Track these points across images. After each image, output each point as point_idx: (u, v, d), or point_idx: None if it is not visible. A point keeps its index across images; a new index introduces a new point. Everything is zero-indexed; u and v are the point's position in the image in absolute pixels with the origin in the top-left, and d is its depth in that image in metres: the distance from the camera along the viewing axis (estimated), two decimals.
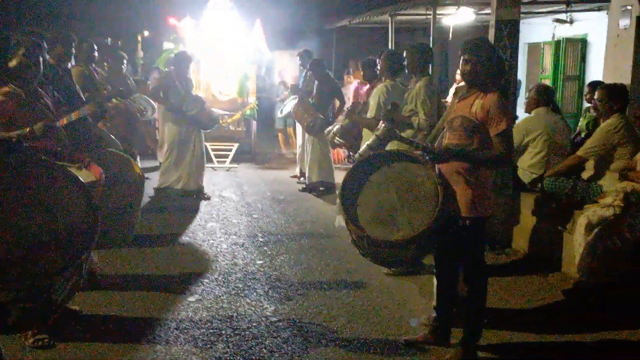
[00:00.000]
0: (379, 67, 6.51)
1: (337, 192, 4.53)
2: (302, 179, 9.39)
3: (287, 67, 12.93)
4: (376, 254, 3.98)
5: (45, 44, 4.84)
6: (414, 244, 3.72)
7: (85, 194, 3.05)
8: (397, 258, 4.10)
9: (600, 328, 4.35)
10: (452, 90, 6.86)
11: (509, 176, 5.78)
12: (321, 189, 8.64)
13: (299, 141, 9.82)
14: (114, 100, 7.43)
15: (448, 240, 3.86)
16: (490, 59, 3.79)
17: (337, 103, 9.16)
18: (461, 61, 3.82)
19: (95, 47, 7.46)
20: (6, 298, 2.69)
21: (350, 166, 4.33)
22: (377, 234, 3.76)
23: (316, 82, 8.88)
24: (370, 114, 6.05)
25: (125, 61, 9.74)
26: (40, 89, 4.14)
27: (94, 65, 7.37)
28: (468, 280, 3.93)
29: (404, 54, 5.77)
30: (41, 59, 4.06)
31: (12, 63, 3.93)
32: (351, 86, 11.62)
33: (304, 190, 8.95)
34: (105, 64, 9.81)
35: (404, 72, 6.01)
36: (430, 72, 6.00)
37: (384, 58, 6.29)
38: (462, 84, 4.02)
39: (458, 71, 4.16)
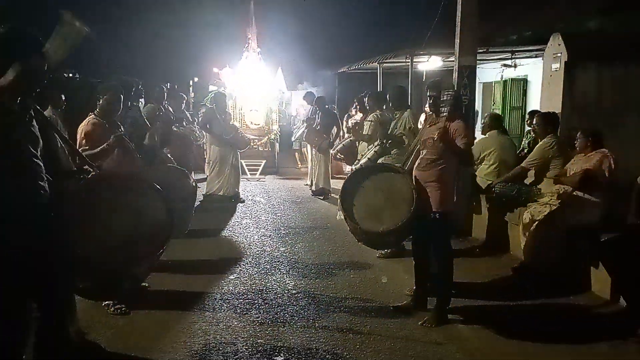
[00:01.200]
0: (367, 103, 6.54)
1: (337, 195, 4.51)
2: (312, 186, 9.36)
3: (302, 103, 12.91)
4: (368, 240, 4.00)
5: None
6: (395, 234, 3.72)
7: (164, 200, 3.03)
8: (384, 243, 4.11)
9: (537, 296, 4.31)
10: (422, 118, 6.85)
11: (467, 182, 5.75)
12: (323, 194, 8.61)
13: (309, 157, 9.78)
14: (175, 129, 7.40)
15: (422, 230, 3.84)
16: (450, 95, 3.79)
17: (335, 130, 9.13)
18: (428, 97, 3.85)
19: (165, 90, 7.45)
20: (109, 274, 2.70)
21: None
22: (368, 226, 3.78)
23: (319, 114, 8.88)
24: (365, 132, 6.06)
25: (184, 101, 9.74)
26: (117, 122, 4.15)
27: (164, 103, 7.30)
28: (438, 260, 3.89)
29: (386, 93, 5.82)
30: (121, 100, 4.06)
31: (100, 103, 3.94)
32: (357, 117, 11.57)
33: (313, 194, 8.89)
34: (165, 102, 9.81)
35: (386, 104, 6.02)
36: (409, 105, 6.00)
37: (370, 97, 6.33)
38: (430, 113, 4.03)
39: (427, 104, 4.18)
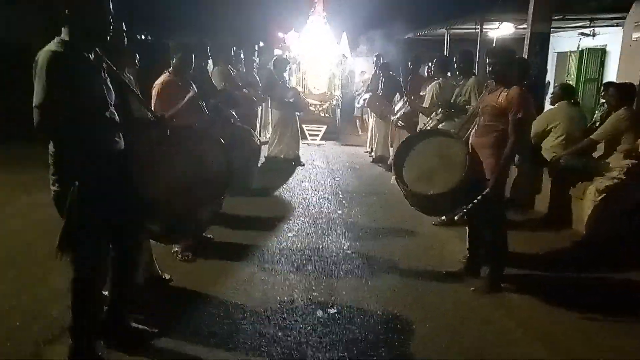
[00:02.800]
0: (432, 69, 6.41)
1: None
2: (372, 153, 9.40)
3: (365, 70, 12.83)
4: (420, 204, 3.99)
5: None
6: (447, 198, 3.70)
7: (224, 152, 3.22)
8: (436, 208, 4.11)
9: (595, 270, 4.23)
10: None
11: (526, 157, 5.60)
12: (382, 161, 8.59)
13: (370, 125, 9.79)
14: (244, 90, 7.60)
15: (476, 198, 3.83)
16: (508, 62, 3.71)
17: (398, 96, 9.02)
18: (487, 64, 3.78)
19: (233, 52, 7.64)
20: (173, 217, 2.95)
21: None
22: (418, 189, 3.79)
23: (383, 80, 8.81)
24: (425, 104, 6.00)
25: (255, 64, 9.91)
26: (190, 81, 4.35)
27: (229, 66, 7.48)
28: (491, 228, 3.86)
29: (453, 58, 5.68)
30: (192, 60, 4.22)
31: (174, 62, 4.13)
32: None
33: (373, 161, 8.93)
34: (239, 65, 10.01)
35: (453, 71, 5.89)
36: (475, 72, 5.85)
37: (436, 62, 6.19)
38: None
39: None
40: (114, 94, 2.65)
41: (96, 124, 2.51)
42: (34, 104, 2.33)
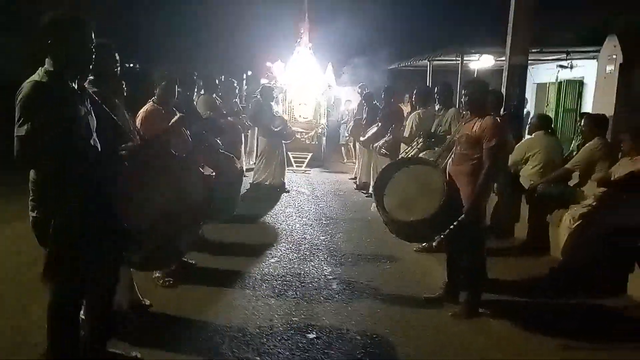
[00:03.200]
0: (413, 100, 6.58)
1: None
2: (356, 180, 9.48)
3: (351, 99, 13.05)
4: (400, 231, 4.04)
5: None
6: (426, 225, 3.77)
7: (203, 181, 3.27)
8: (416, 235, 4.16)
9: (572, 296, 4.31)
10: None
11: (504, 184, 5.74)
12: (366, 188, 8.64)
13: (355, 152, 9.91)
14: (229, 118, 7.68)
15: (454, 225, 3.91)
16: (482, 93, 3.86)
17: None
18: (462, 95, 3.93)
19: (217, 82, 7.74)
20: (152, 247, 2.97)
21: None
22: (398, 216, 3.87)
23: (366, 109, 8.99)
24: (405, 133, 6.15)
25: (237, 91, 10.04)
26: (174, 109, 4.41)
27: (215, 95, 7.56)
28: (469, 254, 3.95)
29: (434, 89, 5.85)
30: (175, 89, 4.30)
31: (158, 91, 4.20)
32: (405, 112, 11.55)
33: (357, 188, 9.03)
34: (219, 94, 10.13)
35: (432, 102, 6.04)
36: (455, 104, 6.01)
37: (416, 93, 6.37)
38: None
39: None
40: (96, 122, 2.69)
41: (78, 153, 2.52)
42: (15, 134, 2.32)
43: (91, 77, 3.16)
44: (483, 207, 3.99)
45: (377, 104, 8.86)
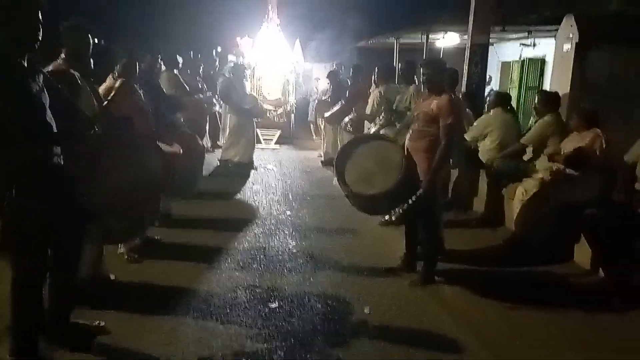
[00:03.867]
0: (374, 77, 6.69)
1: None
2: (323, 157, 9.60)
3: (319, 76, 13.09)
4: (360, 205, 4.21)
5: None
6: (385, 198, 3.94)
7: (162, 157, 3.30)
8: (376, 208, 4.33)
9: (523, 265, 4.55)
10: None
11: (460, 159, 5.95)
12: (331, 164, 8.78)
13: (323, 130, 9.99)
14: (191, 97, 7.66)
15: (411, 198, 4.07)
16: (439, 72, 4.00)
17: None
18: (421, 74, 4.06)
19: (179, 58, 7.67)
20: (111, 222, 3.04)
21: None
22: (358, 189, 4.01)
23: (330, 87, 9.06)
24: (367, 111, 6.29)
25: (200, 69, 10.00)
26: (135, 86, 4.41)
27: (175, 71, 7.52)
28: (424, 226, 4.14)
29: (396, 67, 5.97)
30: (137, 65, 4.30)
31: (118, 67, 4.17)
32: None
33: (323, 164, 9.11)
34: (188, 70, 10.07)
35: (394, 78, 6.17)
36: (416, 81, 6.13)
37: (378, 70, 6.48)
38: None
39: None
40: (48, 99, 2.71)
41: (30, 129, 2.55)
42: None
43: (63, 57, 3.18)
44: (440, 181, 4.17)
45: (341, 81, 8.95)
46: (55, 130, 2.69)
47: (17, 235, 2.58)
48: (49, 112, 2.68)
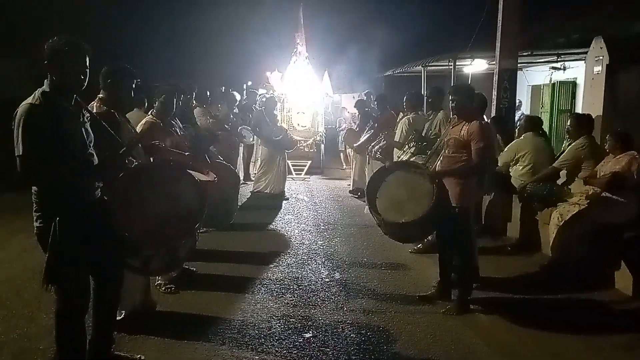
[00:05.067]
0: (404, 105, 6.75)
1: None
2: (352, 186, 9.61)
3: (346, 106, 13.24)
4: (392, 233, 4.22)
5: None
6: (417, 226, 3.94)
7: (197, 188, 3.39)
8: (408, 236, 4.33)
9: (562, 292, 4.44)
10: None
11: (497, 184, 5.90)
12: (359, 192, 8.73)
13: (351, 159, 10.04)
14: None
15: (445, 224, 4.07)
16: (468, 98, 4.03)
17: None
18: (450, 100, 4.10)
19: (209, 93, 7.90)
20: (150, 253, 3.13)
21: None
22: (390, 217, 4.03)
23: (359, 116, 9.15)
24: (396, 138, 6.33)
25: (236, 103, 10.29)
26: (172, 121, 4.53)
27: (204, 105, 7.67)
28: (459, 253, 4.11)
29: (424, 94, 6.02)
30: (174, 102, 4.46)
31: (157, 104, 4.36)
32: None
33: (350, 192, 9.16)
34: (219, 105, 10.34)
35: (422, 106, 6.21)
36: (444, 107, 6.16)
37: (406, 98, 6.54)
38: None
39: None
40: (93, 137, 2.87)
41: (74, 165, 2.72)
42: (16, 154, 2.56)
43: (101, 96, 3.37)
44: (473, 207, 4.15)
45: (369, 110, 9.04)
46: (94, 163, 2.84)
47: (59, 269, 2.70)
48: (92, 149, 2.83)
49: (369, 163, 7.93)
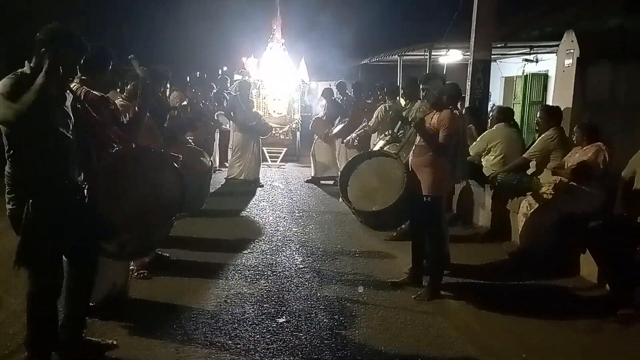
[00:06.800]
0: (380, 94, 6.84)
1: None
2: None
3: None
4: (365, 220, 4.29)
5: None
6: (388, 214, 4.00)
7: (178, 175, 3.40)
8: (381, 224, 4.39)
9: (529, 278, 4.57)
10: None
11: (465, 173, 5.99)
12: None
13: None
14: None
15: (416, 212, 4.15)
16: (438, 88, 4.08)
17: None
18: (420, 90, 4.15)
19: (188, 78, 7.87)
20: (128, 238, 3.12)
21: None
22: (361, 205, 4.09)
23: (326, 104, 9.18)
24: (370, 123, 6.41)
25: (214, 90, 10.24)
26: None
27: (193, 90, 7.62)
28: (430, 240, 4.18)
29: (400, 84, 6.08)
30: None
31: (129, 87, 4.30)
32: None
33: (306, 181, 9.18)
34: (193, 89, 10.24)
35: (398, 95, 6.29)
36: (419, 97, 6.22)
37: (387, 89, 6.60)
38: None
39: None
40: (72, 120, 2.82)
41: (51, 147, 2.67)
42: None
43: (84, 78, 3.32)
44: (445, 196, 4.23)
45: (337, 98, 9.07)
46: (75, 149, 2.80)
47: (32, 251, 2.66)
48: (70, 133, 2.78)
49: (339, 153, 7.99)
